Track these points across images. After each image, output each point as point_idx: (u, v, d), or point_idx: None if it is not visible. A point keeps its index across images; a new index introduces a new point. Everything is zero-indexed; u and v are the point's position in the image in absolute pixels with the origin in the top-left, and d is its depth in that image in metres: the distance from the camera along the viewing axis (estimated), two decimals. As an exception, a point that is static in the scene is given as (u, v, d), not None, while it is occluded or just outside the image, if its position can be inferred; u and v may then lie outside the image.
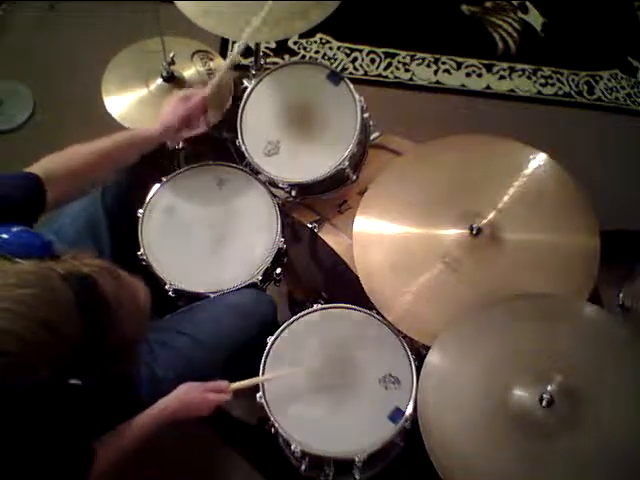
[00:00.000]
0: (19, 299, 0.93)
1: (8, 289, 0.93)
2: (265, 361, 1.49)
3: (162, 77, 1.80)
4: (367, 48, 2.63)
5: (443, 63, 2.62)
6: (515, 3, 2.77)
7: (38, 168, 1.29)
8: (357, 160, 1.70)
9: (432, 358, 1.36)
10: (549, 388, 1.24)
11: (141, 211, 1.65)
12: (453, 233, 1.48)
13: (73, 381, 1.21)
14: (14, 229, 1.05)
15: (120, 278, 1.06)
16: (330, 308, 1.56)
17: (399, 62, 2.61)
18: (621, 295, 1.89)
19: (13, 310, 0.92)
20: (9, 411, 1.07)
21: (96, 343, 1.00)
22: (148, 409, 1.35)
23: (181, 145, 1.82)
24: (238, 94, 1.77)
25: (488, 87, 2.58)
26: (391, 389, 1.47)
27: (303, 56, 2.58)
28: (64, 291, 0.97)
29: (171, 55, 1.77)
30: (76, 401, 1.21)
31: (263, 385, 1.46)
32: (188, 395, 1.38)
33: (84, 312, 0.98)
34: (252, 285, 1.61)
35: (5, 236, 1.03)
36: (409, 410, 1.43)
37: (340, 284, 1.74)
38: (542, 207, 1.52)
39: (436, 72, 2.60)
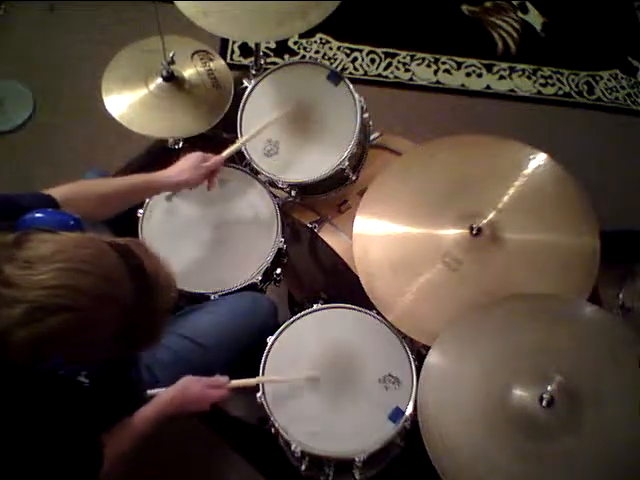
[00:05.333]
0: (80, 259, 0.99)
1: (67, 252, 0.99)
2: (265, 361, 1.49)
3: (162, 77, 1.80)
4: (367, 48, 2.63)
5: (443, 63, 2.62)
6: (515, 3, 2.77)
7: (56, 192, 1.30)
8: (357, 160, 1.70)
9: (432, 358, 1.36)
10: (549, 388, 1.24)
11: (141, 211, 1.65)
12: (453, 233, 1.48)
13: (81, 379, 1.23)
14: (48, 210, 1.14)
15: (149, 251, 1.11)
16: (330, 308, 1.56)
17: (399, 62, 2.61)
18: (621, 295, 1.88)
19: (78, 269, 0.98)
20: (29, 405, 1.10)
21: (142, 305, 1.05)
22: (149, 404, 1.36)
23: (181, 145, 1.82)
24: (238, 94, 1.77)
25: (488, 87, 2.58)
26: (391, 389, 1.47)
27: (303, 56, 2.58)
28: (113, 254, 1.04)
29: (171, 54, 1.77)
30: (81, 402, 1.22)
31: (263, 385, 1.46)
32: (187, 389, 1.39)
33: (131, 274, 1.04)
34: (252, 285, 1.61)
35: (39, 215, 1.10)
36: (409, 410, 1.43)
37: (340, 284, 1.74)
38: (542, 207, 1.52)
39: (436, 72, 2.60)
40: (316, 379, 1.47)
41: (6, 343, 0.96)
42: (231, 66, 1.91)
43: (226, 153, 1.62)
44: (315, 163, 1.63)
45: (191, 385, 1.40)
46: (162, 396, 1.37)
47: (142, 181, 1.50)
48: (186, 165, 1.54)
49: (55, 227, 1.05)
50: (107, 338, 1.04)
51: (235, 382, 1.44)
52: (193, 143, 1.83)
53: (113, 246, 1.05)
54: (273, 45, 2.58)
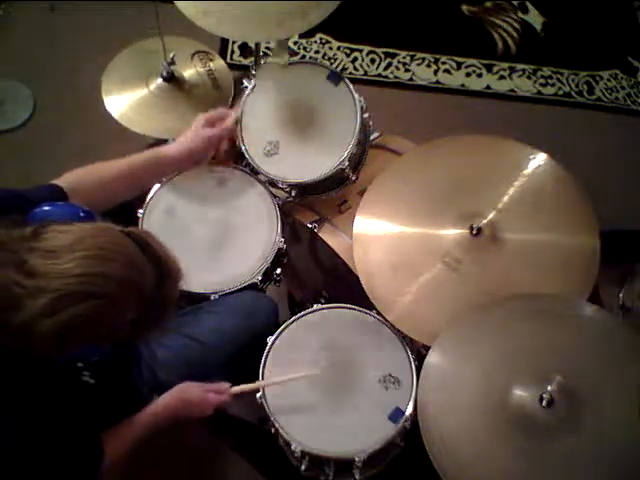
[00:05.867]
0: (101, 246, 1.00)
1: (89, 241, 1.00)
2: (265, 361, 1.49)
3: (162, 77, 1.80)
4: (367, 48, 2.63)
5: (443, 63, 2.62)
6: (515, 3, 2.77)
7: (63, 181, 1.31)
8: (357, 160, 1.70)
9: (432, 358, 1.36)
10: (549, 388, 1.24)
11: (141, 211, 1.65)
12: (453, 233, 1.48)
13: (85, 378, 1.23)
14: (59, 203, 1.14)
15: (158, 240, 1.12)
16: (330, 308, 1.56)
17: (399, 62, 2.61)
18: (621, 295, 1.88)
19: (102, 256, 0.99)
20: (37, 402, 1.10)
21: (160, 290, 1.06)
22: (148, 407, 1.35)
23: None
24: (238, 94, 1.77)
25: (488, 87, 2.58)
26: (391, 389, 1.47)
27: (303, 56, 2.58)
28: (130, 241, 1.05)
29: (171, 55, 1.77)
30: (85, 399, 1.22)
31: (263, 387, 1.46)
32: (187, 394, 1.39)
33: (149, 260, 1.06)
34: (252, 285, 1.61)
35: (50, 208, 1.10)
36: (409, 410, 1.43)
37: (340, 284, 1.74)
38: (542, 207, 1.52)
39: (436, 72, 2.60)
40: (315, 375, 1.47)
41: (30, 334, 0.96)
42: (231, 66, 1.92)
43: (233, 117, 1.60)
44: (315, 163, 1.63)
45: (189, 390, 1.39)
46: (158, 401, 1.37)
47: (148, 158, 1.49)
48: (188, 132, 1.53)
49: (66, 219, 1.05)
50: (125, 323, 1.04)
51: (236, 389, 1.44)
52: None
53: (127, 234, 1.06)
54: (273, 45, 2.58)
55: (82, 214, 1.12)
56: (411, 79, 2.58)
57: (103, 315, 0.99)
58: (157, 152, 1.52)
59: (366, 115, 1.64)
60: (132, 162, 1.46)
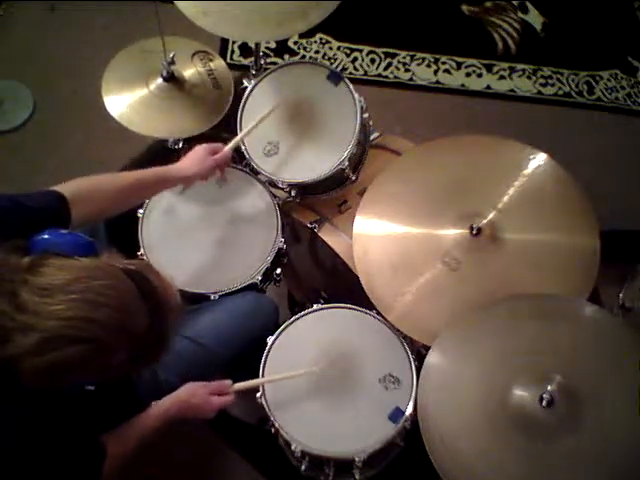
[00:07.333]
0: (96, 290, 0.99)
1: (84, 282, 0.99)
2: (265, 361, 1.49)
3: (162, 77, 1.80)
4: (367, 48, 2.63)
5: (443, 63, 2.62)
6: (515, 3, 2.76)
7: (67, 187, 1.29)
8: (357, 160, 1.70)
9: (432, 358, 1.36)
10: (549, 388, 1.24)
11: (141, 211, 1.65)
12: (453, 233, 1.48)
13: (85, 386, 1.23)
14: (61, 231, 1.11)
15: (158, 273, 1.12)
16: (330, 308, 1.57)
17: (399, 62, 2.61)
18: (621, 295, 1.89)
19: (93, 300, 0.99)
20: (45, 410, 1.10)
21: (155, 330, 1.06)
22: (152, 408, 1.36)
23: (181, 145, 1.82)
24: (238, 94, 1.77)
25: (488, 87, 2.58)
26: (391, 389, 1.47)
27: (303, 56, 2.58)
28: (128, 281, 1.04)
29: (171, 55, 1.77)
30: (83, 403, 1.22)
31: (263, 385, 1.46)
32: (191, 396, 1.39)
33: (145, 300, 1.05)
34: (252, 285, 1.61)
35: (52, 237, 1.08)
36: (409, 410, 1.43)
37: (340, 284, 1.74)
38: (542, 207, 1.52)
39: (436, 72, 2.60)
40: (315, 373, 1.47)
41: (16, 368, 0.97)
42: (231, 66, 1.91)
43: (230, 146, 1.62)
44: (315, 163, 1.63)
45: (194, 392, 1.39)
46: (163, 403, 1.37)
47: (153, 175, 1.48)
48: (194, 158, 1.54)
49: (67, 250, 1.04)
50: (122, 362, 1.05)
51: (237, 386, 1.44)
52: (193, 143, 1.83)
53: (127, 272, 1.05)
54: (273, 45, 2.58)
55: (85, 246, 1.09)
56: (411, 79, 2.58)
57: (91, 359, 0.99)
58: (166, 171, 1.51)
59: (366, 115, 1.64)
60: (140, 177, 1.45)
